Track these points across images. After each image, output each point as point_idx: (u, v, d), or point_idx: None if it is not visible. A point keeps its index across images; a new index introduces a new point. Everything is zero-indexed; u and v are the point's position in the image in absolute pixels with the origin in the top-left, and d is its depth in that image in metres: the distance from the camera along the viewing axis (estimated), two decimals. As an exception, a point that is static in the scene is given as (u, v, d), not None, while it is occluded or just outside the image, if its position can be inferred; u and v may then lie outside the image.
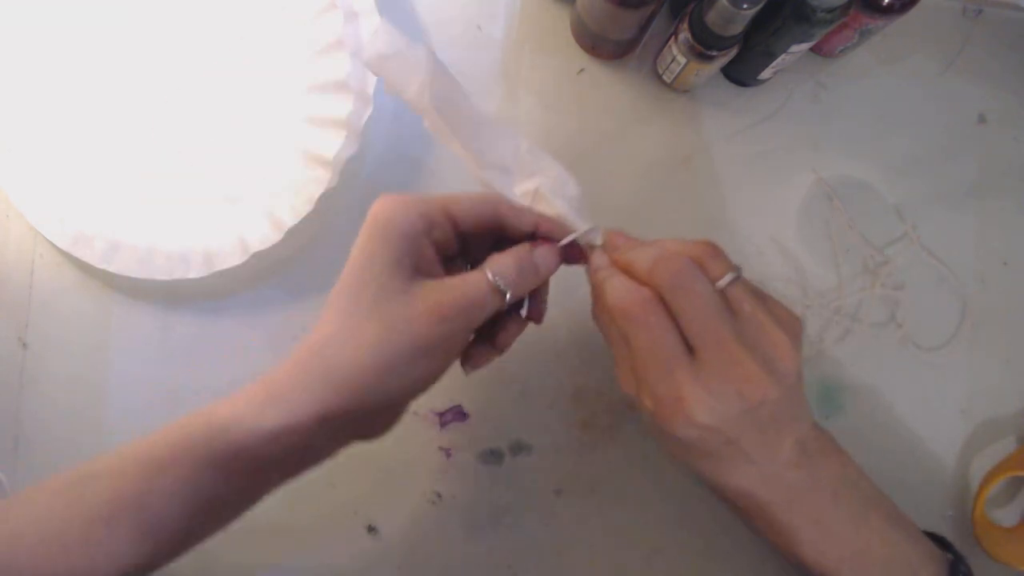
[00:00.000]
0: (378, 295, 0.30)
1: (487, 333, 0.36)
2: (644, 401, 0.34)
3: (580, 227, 0.35)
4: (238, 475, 0.31)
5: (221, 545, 0.42)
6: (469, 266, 0.37)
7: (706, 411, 0.31)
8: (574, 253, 0.35)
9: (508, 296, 0.32)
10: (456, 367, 0.44)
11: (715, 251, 0.34)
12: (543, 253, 0.34)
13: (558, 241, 0.35)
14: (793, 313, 0.34)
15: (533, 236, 0.35)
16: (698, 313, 0.31)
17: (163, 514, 0.30)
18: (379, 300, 0.30)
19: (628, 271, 0.34)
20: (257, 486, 0.32)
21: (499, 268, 0.32)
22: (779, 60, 0.41)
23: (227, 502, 0.32)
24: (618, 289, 0.33)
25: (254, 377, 0.34)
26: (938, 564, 0.35)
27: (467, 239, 0.35)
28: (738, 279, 0.33)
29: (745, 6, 0.35)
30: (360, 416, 0.31)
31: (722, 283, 0.32)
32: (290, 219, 0.41)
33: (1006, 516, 0.44)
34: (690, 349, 0.32)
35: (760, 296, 0.34)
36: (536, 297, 0.36)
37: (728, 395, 0.31)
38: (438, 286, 0.31)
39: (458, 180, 0.45)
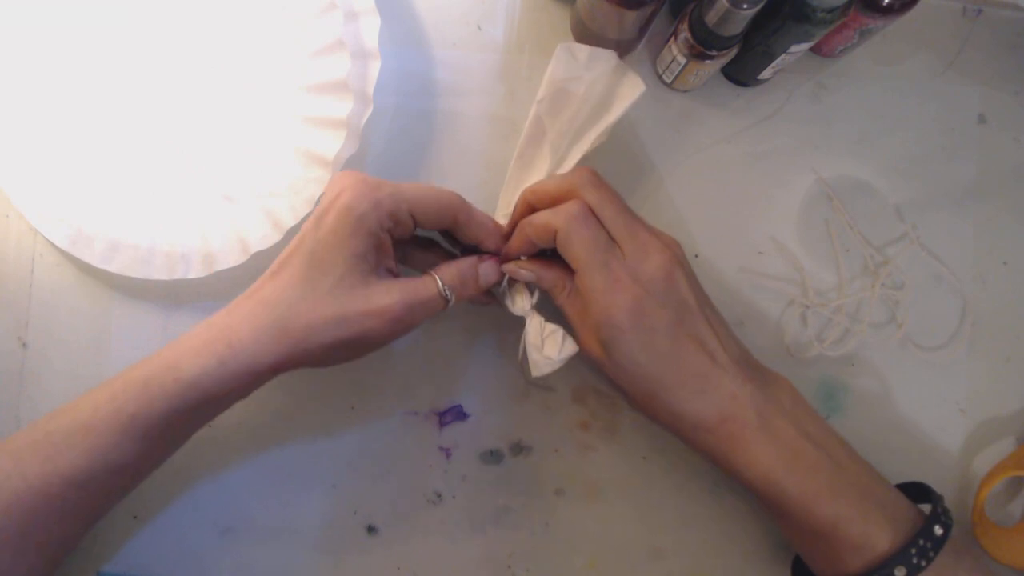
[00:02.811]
0: (340, 282, 0.35)
1: None
2: (603, 333, 0.36)
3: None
4: (201, 414, 0.36)
5: (222, 546, 0.42)
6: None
7: (639, 275, 0.36)
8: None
9: (451, 303, 0.37)
10: (459, 369, 0.45)
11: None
12: (487, 268, 0.39)
13: (498, 255, 0.39)
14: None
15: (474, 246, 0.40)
16: (618, 209, 0.37)
17: (134, 457, 0.34)
18: (340, 287, 0.35)
19: (545, 194, 0.38)
20: (212, 416, 0.37)
21: (448, 278, 0.37)
22: (779, 60, 0.41)
23: (187, 433, 0.37)
24: (548, 214, 0.37)
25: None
26: (912, 523, 0.36)
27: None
28: None
29: (745, 6, 0.35)
30: (307, 366, 0.36)
31: None
32: (290, 219, 0.41)
33: (1006, 516, 0.45)
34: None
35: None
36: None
37: (650, 264, 0.36)
38: (392, 287, 0.36)
39: (457, 181, 0.45)
